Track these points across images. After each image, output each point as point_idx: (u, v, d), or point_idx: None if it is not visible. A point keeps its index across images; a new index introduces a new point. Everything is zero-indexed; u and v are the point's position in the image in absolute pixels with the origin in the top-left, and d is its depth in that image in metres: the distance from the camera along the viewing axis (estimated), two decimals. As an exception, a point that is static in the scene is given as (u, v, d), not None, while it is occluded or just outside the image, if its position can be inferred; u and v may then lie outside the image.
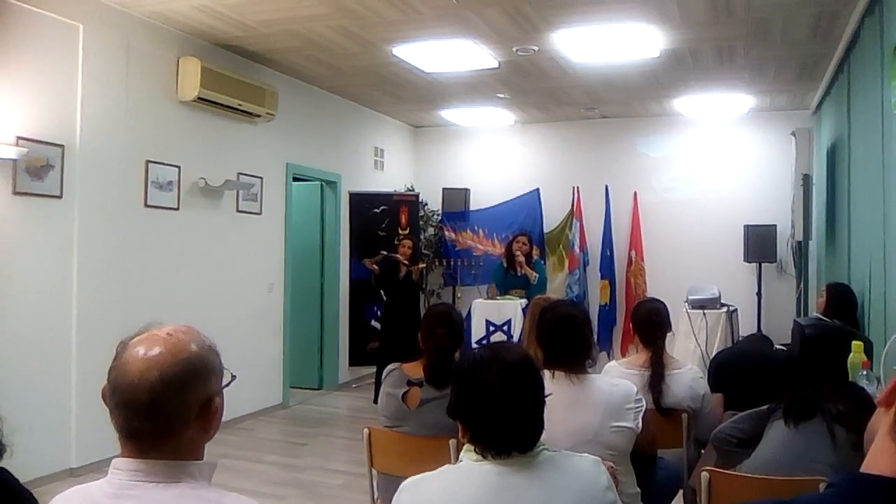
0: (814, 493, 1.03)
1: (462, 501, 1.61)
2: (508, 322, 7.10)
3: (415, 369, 3.14)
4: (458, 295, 9.12)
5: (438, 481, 1.68)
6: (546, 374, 2.54)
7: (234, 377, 1.49)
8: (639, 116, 8.97)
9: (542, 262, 8.39)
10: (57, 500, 1.43)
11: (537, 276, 7.37)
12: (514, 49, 6.20)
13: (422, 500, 1.64)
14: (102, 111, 5.29)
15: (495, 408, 1.66)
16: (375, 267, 7.55)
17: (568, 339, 2.69)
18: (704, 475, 2.54)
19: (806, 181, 6.87)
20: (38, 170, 4.84)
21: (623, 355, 8.09)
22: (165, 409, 1.33)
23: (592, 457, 1.73)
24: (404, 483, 1.70)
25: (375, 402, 7.21)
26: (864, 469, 1.02)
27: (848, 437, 2.49)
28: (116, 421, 1.35)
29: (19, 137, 4.71)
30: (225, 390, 1.46)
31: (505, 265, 7.52)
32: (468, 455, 1.69)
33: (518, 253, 7.36)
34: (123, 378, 1.33)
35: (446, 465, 1.75)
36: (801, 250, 7.76)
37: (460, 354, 1.86)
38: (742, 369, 3.83)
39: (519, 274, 7.37)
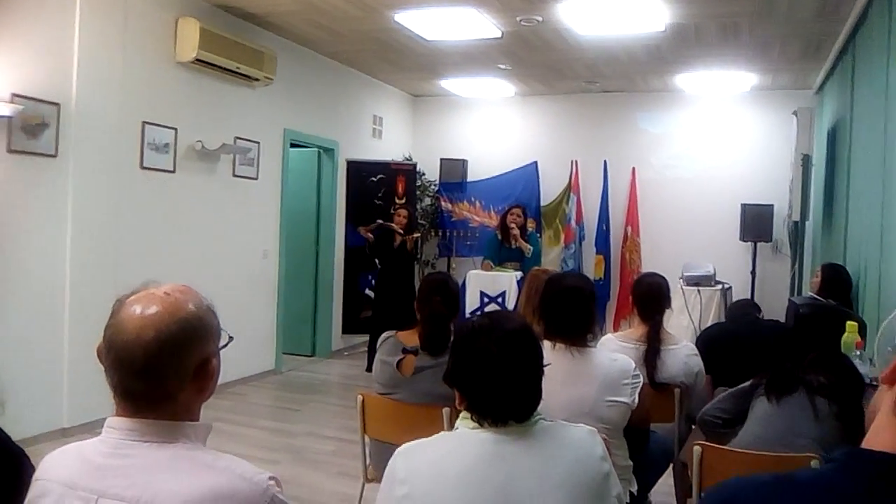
0: (817, 468, 1.03)
1: (457, 468, 1.60)
2: (503, 294, 7.10)
3: (410, 337, 3.13)
4: (454, 265, 9.11)
5: (434, 447, 1.67)
6: (546, 344, 2.53)
7: (231, 338, 1.48)
8: (640, 91, 8.91)
9: (538, 234, 8.37)
10: (49, 458, 1.42)
11: (531, 248, 7.35)
12: (517, 19, 6.12)
13: (417, 465, 1.64)
14: (99, 70, 5.22)
15: (493, 376, 1.65)
16: (370, 235, 7.53)
17: (573, 310, 2.68)
18: (697, 449, 2.55)
19: (805, 161, 6.84)
20: (33, 128, 4.79)
21: (615, 330, 8.11)
22: (161, 370, 1.31)
23: (588, 427, 1.72)
24: (399, 449, 1.69)
25: (368, 370, 7.30)
26: (865, 445, 1.01)
27: (830, 409, 2.50)
28: (111, 380, 1.34)
29: (14, 94, 4.65)
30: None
31: (499, 237, 7.48)
32: (464, 422, 1.69)
33: (512, 226, 7.33)
34: (119, 336, 1.31)
35: (442, 432, 1.75)
36: (797, 230, 7.76)
37: (457, 323, 1.85)
38: (729, 346, 3.84)
39: (514, 246, 7.34)
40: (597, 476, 1.63)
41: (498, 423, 1.64)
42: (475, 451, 1.62)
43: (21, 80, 4.70)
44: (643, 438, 2.87)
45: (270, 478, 1.33)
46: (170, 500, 1.24)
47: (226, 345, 1.46)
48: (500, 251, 7.41)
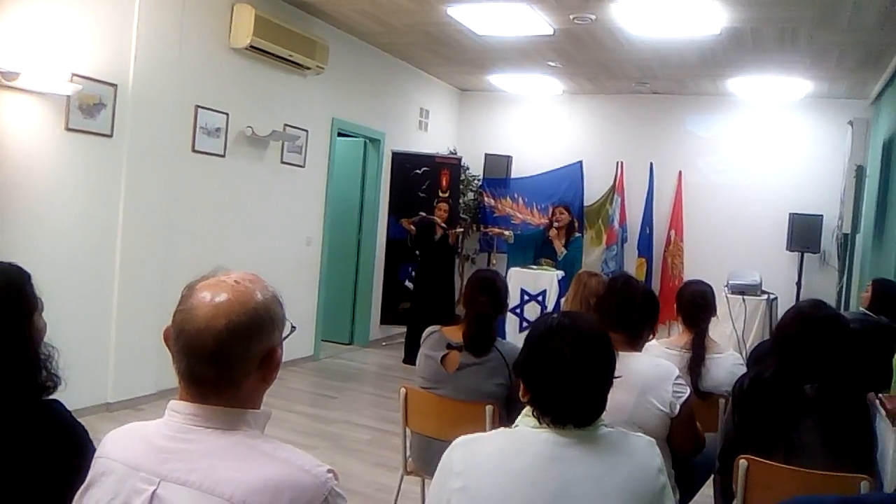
0: (887, 493, 1.01)
1: (515, 466, 1.61)
2: (543, 293, 7.07)
3: (455, 333, 3.14)
4: (494, 261, 9.10)
5: (493, 443, 1.68)
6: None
7: (294, 328, 1.50)
8: (690, 94, 8.79)
9: (581, 240, 8.31)
10: (111, 436, 1.44)
11: (564, 252, 7.33)
12: (570, 16, 6.07)
13: (475, 459, 1.64)
14: (156, 53, 5.30)
15: (561, 376, 1.64)
16: (412, 227, 7.55)
17: (629, 312, 2.68)
18: (742, 463, 2.51)
19: (859, 173, 6.70)
20: (90, 107, 4.88)
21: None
22: (230, 358, 1.33)
23: (648, 437, 1.71)
24: (457, 440, 1.70)
25: (404, 361, 7.36)
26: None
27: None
28: (179, 365, 1.35)
29: (74, 74, 4.74)
30: None
31: (546, 234, 7.50)
32: (525, 420, 1.69)
33: (554, 224, 7.35)
34: (190, 323, 1.32)
35: (501, 428, 1.75)
36: (847, 243, 7.61)
37: (534, 319, 1.85)
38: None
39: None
40: (653, 488, 1.62)
41: (557, 424, 1.64)
42: (534, 450, 1.62)
43: (81, 60, 4.80)
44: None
45: (329, 470, 1.33)
46: (231, 487, 1.26)
47: (289, 334, 1.48)
48: (542, 248, 7.42)
